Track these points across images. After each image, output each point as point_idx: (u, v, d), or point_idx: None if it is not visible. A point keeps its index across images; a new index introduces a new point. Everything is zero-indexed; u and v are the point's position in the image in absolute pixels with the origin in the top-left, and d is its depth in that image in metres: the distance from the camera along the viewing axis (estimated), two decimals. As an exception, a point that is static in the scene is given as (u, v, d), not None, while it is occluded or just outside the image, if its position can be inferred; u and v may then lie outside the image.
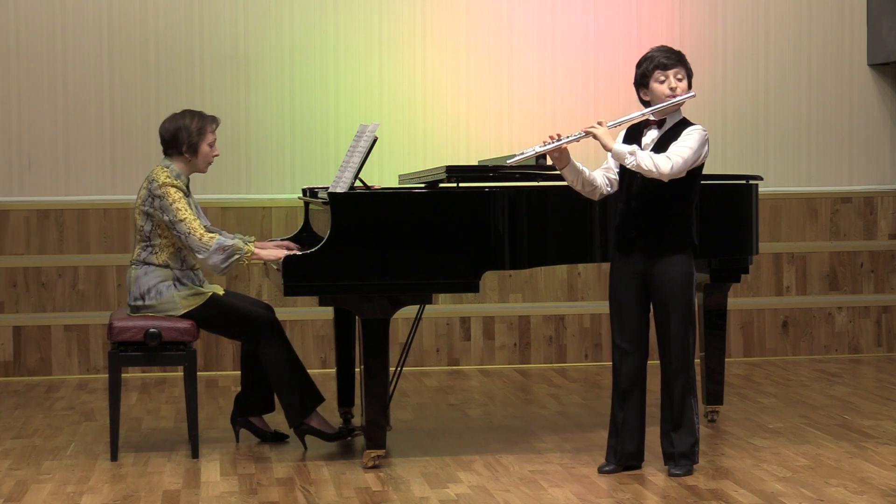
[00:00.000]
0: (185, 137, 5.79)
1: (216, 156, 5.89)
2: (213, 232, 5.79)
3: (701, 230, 5.91)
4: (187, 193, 5.79)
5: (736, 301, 8.02)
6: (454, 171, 5.63)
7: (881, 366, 8.03)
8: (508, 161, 5.22)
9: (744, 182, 6.19)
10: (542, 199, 5.59)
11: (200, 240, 5.64)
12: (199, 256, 5.65)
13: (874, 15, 8.34)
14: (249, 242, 5.76)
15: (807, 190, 8.39)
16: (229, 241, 5.67)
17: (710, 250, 6.04)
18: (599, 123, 5.11)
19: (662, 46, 5.25)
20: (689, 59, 5.26)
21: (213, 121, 5.88)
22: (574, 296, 8.17)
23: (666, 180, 5.06)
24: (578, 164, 5.19)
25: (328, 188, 5.99)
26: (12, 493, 5.09)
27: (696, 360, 6.40)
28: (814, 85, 8.39)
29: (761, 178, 6.36)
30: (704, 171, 5.32)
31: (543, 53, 8.13)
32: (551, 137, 5.12)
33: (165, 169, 5.77)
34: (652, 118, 5.22)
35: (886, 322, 8.45)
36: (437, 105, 8.06)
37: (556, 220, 5.62)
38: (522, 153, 5.15)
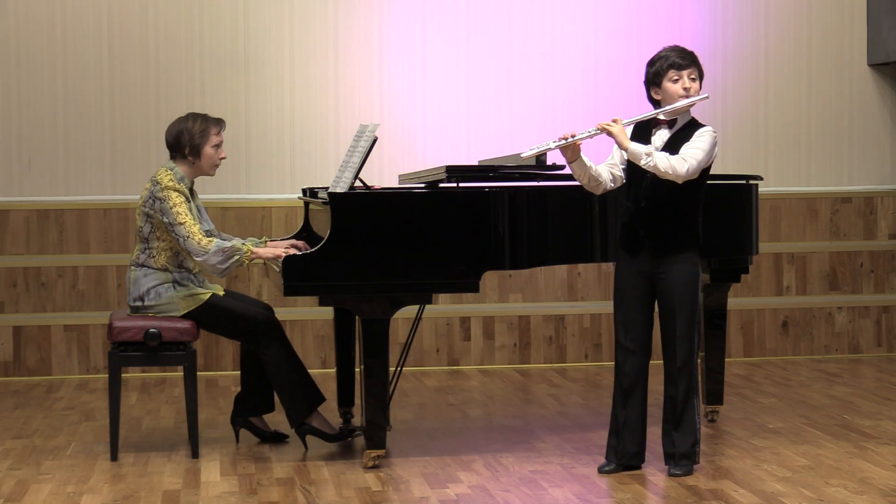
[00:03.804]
0: (187, 139, 5.78)
1: (223, 158, 5.87)
2: (212, 236, 5.79)
3: (701, 230, 5.92)
4: (189, 198, 5.77)
5: (736, 301, 8.02)
6: (454, 171, 5.63)
7: (881, 366, 8.03)
8: (523, 154, 5.17)
9: (744, 182, 6.19)
10: (542, 199, 5.59)
11: (199, 243, 5.63)
12: (198, 259, 5.64)
13: (874, 15, 8.34)
14: (248, 242, 5.75)
15: (807, 190, 8.39)
16: (227, 243, 5.66)
17: (710, 250, 6.03)
18: (615, 121, 5.10)
19: (676, 46, 5.23)
20: (688, 59, 5.25)
21: (218, 123, 5.86)
22: (574, 296, 8.16)
23: (681, 182, 5.06)
24: (587, 159, 5.18)
25: (328, 188, 5.99)
26: (12, 493, 5.09)
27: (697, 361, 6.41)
28: (814, 85, 8.39)
29: (761, 178, 6.36)
30: (705, 172, 5.32)
31: (543, 53, 8.13)
32: (566, 137, 5.08)
33: (169, 171, 5.76)
34: (663, 117, 5.21)
35: (886, 322, 8.45)
36: (437, 105, 8.06)
37: (556, 220, 5.62)
38: (538, 147, 5.11)
